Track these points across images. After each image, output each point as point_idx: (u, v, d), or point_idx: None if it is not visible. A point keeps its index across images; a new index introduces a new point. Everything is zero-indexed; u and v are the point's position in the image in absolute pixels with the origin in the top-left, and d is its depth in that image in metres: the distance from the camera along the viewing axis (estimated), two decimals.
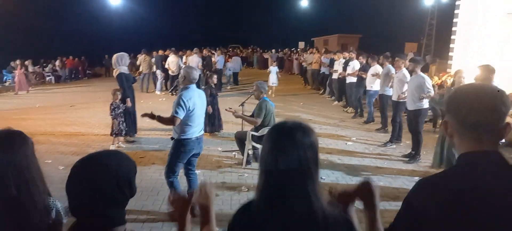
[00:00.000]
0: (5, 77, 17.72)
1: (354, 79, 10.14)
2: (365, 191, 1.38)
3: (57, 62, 20.74)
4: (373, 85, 8.96)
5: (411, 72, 6.62)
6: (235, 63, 17.34)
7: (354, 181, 5.38)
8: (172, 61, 13.36)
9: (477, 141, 1.20)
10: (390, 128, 7.80)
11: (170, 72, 13.49)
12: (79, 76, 21.85)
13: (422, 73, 6.39)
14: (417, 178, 5.43)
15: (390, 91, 7.88)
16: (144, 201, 4.59)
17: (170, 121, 3.98)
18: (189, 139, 4.07)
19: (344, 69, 10.81)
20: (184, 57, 14.86)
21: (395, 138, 7.36)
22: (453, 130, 1.27)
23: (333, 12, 34.62)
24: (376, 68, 8.91)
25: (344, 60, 11.11)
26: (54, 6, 30.20)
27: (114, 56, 7.02)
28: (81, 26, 31.63)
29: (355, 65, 10.15)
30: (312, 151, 1.24)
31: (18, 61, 16.27)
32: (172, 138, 4.19)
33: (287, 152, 1.20)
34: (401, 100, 6.99)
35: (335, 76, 11.74)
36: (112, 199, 1.30)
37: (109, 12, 17.68)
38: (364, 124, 9.18)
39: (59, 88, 17.57)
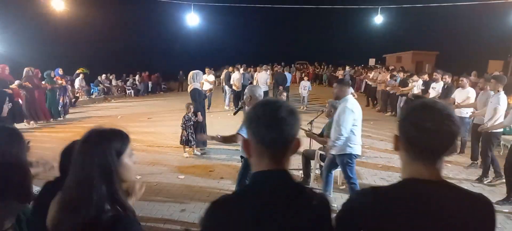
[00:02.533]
0: (92, 90, 19.50)
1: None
2: None
3: (137, 77, 22.45)
4: (465, 111, 7.41)
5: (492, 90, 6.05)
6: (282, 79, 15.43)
7: None
8: (236, 78, 13.71)
9: None
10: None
11: (234, 88, 13.85)
12: (156, 90, 23.37)
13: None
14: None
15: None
16: None
17: (233, 138, 3.98)
18: None
19: (425, 91, 9.64)
20: (255, 74, 15.15)
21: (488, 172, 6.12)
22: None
23: (408, 27, 32.88)
24: (468, 91, 7.50)
25: (421, 82, 10.02)
26: (135, 26, 32.86)
27: (191, 73, 7.50)
28: (160, 44, 34.05)
29: (440, 87, 8.95)
30: None
31: (103, 76, 17.89)
32: (241, 157, 4.25)
33: None
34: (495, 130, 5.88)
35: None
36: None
37: (186, 31, 18.81)
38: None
39: (137, 101, 18.91)
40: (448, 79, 8.72)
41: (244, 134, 3.93)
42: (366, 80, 16.89)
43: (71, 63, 14.89)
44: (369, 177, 6.41)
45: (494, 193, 5.66)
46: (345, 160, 4.59)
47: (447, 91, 8.39)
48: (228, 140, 4.07)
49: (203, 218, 1.22)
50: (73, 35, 24.45)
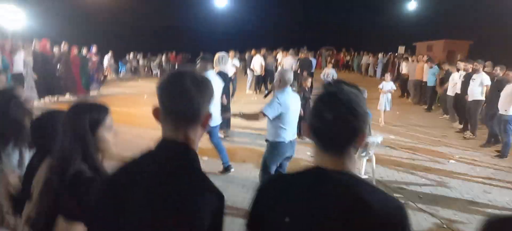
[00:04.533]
0: (120, 69, 19.92)
1: (480, 97, 8.36)
2: None
3: (163, 57, 22.72)
4: (509, 109, 7.01)
5: None
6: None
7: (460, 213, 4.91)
8: (257, 62, 13.66)
9: None
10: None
11: (254, 72, 13.81)
12: None
13: None
14: None
15: None
16: (234, 197, 4.76)
17: (255, 115, 4.15)
18: (283, 142, 4.14)
19: (465, 84, 8.94)
20: (279, 57, 15.02)
21: None
22: None
23: (440, 14, 31.61)
24: None
25: (464, 73, 9.21)
26: (163, 7, 33.08)
27: (217, 55, 7.46)
28: (188, 25, 34.23)
29: (483, 79, 8.30)
30: None
31: (131, 55, 18.23)
32: (266, 140, 4.29)
33: None
34: None
35: (450, 92, 9.91)
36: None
37: (214, 13, 18.85)
38: (469, 140, 8.21)
39: None
40: (499, 71, 8.11)
41: (268, 113, 4.01)
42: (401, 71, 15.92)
43: (100, 41, 15.19)
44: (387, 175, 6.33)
45: None
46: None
47: (497, 86, 7.78)
48: (248, 116, 4.30)
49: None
50: (102, 13, 24.90)
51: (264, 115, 4.03)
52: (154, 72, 21.72)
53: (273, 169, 4.29)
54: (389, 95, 9.74)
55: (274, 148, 4.18)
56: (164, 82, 1.23)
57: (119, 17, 26.88)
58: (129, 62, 20.47)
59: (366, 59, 24.96)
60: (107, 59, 17.89)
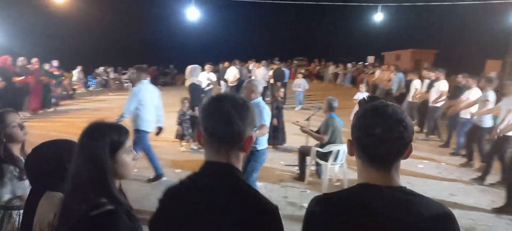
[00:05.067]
0: (89, 83, 19.45)
1: (439, 104, 8.80)
2: None
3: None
4: (467, 112, 7.35)
5: None
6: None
7: None
8: (231, 73, 13.72)
9: None
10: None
11: (229, 83, 13.85)
12: (154, 84, 23.30)
13: None
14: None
15: (487, 122, 6.64)
16: None
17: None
18: (263, 149, 4.35)
19: (428, 91, 9.36)
20: (254, 69, 15.11)
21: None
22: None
23: (407, 25, 32.80)
24: (474, 92, 7.38)
25: (427, 82, 9.61)
26: (136, 19, 32.75)
27: (188, 67, 7.50)
28: (160, 38, 33.98)
29: (441, 86, 8.72)
30: None
31: (101, 68, 17.85)
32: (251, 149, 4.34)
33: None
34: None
35: (412, 98, 10.29)
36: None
37: (186, 26, 18.76)
38: (439, 147, 8.53)
39: None
40: (463, 80, 8.28)
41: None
42: (368, 79, 16.40)
43: (69, 55, 14.83)
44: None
45: (490, 193, 5.71)
46: (135, 135, 5.38)
47: (457, 92, 8.28)
48: None
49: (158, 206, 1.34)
50: (71, 27, 24.37)
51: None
52: (124, 85, 21.34)
53: (255, 177, 4.38)
54: None
55: (261, 154, 4.30)
56: (206, 107, 1.25)
57: (89, 31, 26.38)
58: (99, 76, 20.04)
59: (332, 69, 25.76)
60: (77, 73, 17.48)
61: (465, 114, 7.48)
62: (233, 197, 1.17)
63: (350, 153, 1.26)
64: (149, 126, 5.61)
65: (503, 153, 5.76)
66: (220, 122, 1.20)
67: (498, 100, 6.55)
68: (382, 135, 1.12)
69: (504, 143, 5.73)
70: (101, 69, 20.55)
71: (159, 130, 5.80)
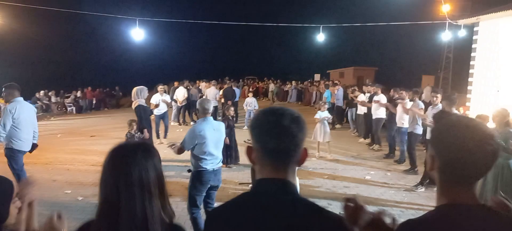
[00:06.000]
0: None
1: (381, 115, 9.59)
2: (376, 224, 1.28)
3: (79, 93, 21.37)
4: (405, 122, 8.07)
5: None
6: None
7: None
8: (180, 93, 13.64)
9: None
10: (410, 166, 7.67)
11: (178, 103, 13.74)
12: (100, 106, 22.45)
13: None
14: None
15: (420, 130, 7.51)
16: None
17: (178, 150, 4.19)
18: (205, 170, 4.13)
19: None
20: (202, 89, 15.09)
21: (427, 180, 6.55)
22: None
23: (348, 44, 34.82)
24: (406, 103, 8.06)
25: (368, 95, 10.63)
26: (78, 41, 31.54)
27: (134, 89, 7.29)
28: (104, 59, 32.93)
29: (381, 99, 9.50)
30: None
31: (42, 92, 16.86)
32: (189, 170, 4.26)
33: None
34: None
35: (360, 111, 11.25)
36: None
37: (132, 47, 18.41)
38: (383, 158, 9.03)
39: (79, 118, 18.02)
40: (395, 93, 9.45)
41: (184, 145, 4.11)
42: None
43: (5, 80, 13.86)
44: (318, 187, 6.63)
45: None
46: (8, 153, 5.37)
47: (394, 104, 8.96)
48: (181, 150, 4.19)
49: (204, 228, 1.26)
50: (9, 49, 22.91)
51: (183, 147, 4.10)
52: (68, 109, 20.31)
53: (200, 200, 4.21)
54: (326, 124, 8.85)
55: (196, 178, 4.15)
56: (261, 122, 1.19)
57: (26, 53, 24.94)
58: (40, 101, 18.92)
59: (272, 87, 26.82)
60: None
61: (400, 123, 8.28)
62: (311, 214, 1.14)
63: (430, 168, 1.18)
64: (25, 145, 5.51)
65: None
66: (282, 137, 1.15)
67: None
68: (474, 149, 1.06)
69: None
70: (41, 93, 19.45)
71: (34, 147, 5.72)
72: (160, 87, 10.92)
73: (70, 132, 13.10)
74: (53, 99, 20.10)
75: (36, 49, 25.55)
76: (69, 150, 9.72)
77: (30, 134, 5.57)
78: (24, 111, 5.46)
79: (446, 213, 1.09)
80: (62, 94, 21.21)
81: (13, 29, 17.05)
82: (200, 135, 4.06)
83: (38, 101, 18.76)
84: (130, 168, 1.28)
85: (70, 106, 20.48)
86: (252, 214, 1.15)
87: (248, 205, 1.20)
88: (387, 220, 1.27)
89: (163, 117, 10.72)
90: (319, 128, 8.74)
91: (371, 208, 1.31)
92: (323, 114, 8.84)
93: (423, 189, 6.50)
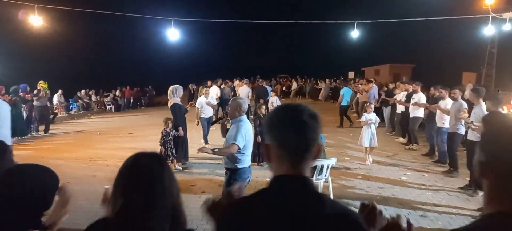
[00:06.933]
0: (71, 106, 19.18)
1: (419, 114, 9.35)
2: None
3: (117, 92, 22.23)
4: (446, 122, 7.72)
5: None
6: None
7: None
8: (212, 91, 13.77)
9: None
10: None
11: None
12: (136, 105, 23.22)
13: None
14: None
15: (463, 130, 7.01)
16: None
17: (229, 149, 4.08)
18: (245, 168, 4.23)
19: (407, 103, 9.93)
20: (236, 87, 15.22)
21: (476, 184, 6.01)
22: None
23: (385, 40, 33.77)
24: (447, 102, 7.73)
25: (406, 93, 10.24)
26: (116, 41, 32.69)
27: (170, 88, 7.51)
28: (141, 59, 33.95)
29: (420, 98, 9.18)
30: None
31: (83, 91, 17.60)
32: (226, 170, 4.31)
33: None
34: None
35: (398, 110, 10.91)
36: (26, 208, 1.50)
37: (167, 47, 18.83)
38: (422, 155, 8.80)
39: (118, 116, 18.70)
40: (435, 92, 8.93)
41: (239, 143, 4.03)
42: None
43: (50, 79, 14.59)
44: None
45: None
46: None
47: (431, 103, 8.81)
48: (222, 151, 4.21)
49: (218, 223, 1.27)
50: (52, 51, 24.12)
51: (237, 145, 4.03)
52: (107, 107, 21.13)
53: None
54: (373, 128, 7.98)
55: (238, 175, 4.23)
56: (277, 118, 1.20)
57: (69, 54, 26.17)
58: (81, 99, 19.80)
59: (294, 85, 25.78)
60: (57, 97, 17.24)
61: (440, 123, 7.92)
62: (334, 210, 1.14)
63: (481, 174, 1.07)
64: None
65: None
66: (300, 132, 1.16)
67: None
68: None
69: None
70: (82, 92, 20.34)
71: None
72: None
73: (109, 129, 13.63)
74: (93, 98, 20.95)
75: (77, 50, 26.73)
76: (108, 146, 10.12)
77: (8, 130, 5.35)
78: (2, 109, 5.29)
79: (497, 223, 1.00)
80: (102, 93, 22.09)
81: (57, 32, 17.92)
82: (249, 133, 4.21)
83: (79, 100, 19.64)
84: (152, 177, 1.41)
85: (109, 104, 21.28)
86: (266, 210, 1.14)
87: (263, 200, 1.19)
88: (404, 225, 1.25)
89: (209, 120, 10.57)
90: (365, 132, 7.94)
91: (404, 211, 1.28)
92: (369, 116, 8.06)
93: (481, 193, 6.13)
